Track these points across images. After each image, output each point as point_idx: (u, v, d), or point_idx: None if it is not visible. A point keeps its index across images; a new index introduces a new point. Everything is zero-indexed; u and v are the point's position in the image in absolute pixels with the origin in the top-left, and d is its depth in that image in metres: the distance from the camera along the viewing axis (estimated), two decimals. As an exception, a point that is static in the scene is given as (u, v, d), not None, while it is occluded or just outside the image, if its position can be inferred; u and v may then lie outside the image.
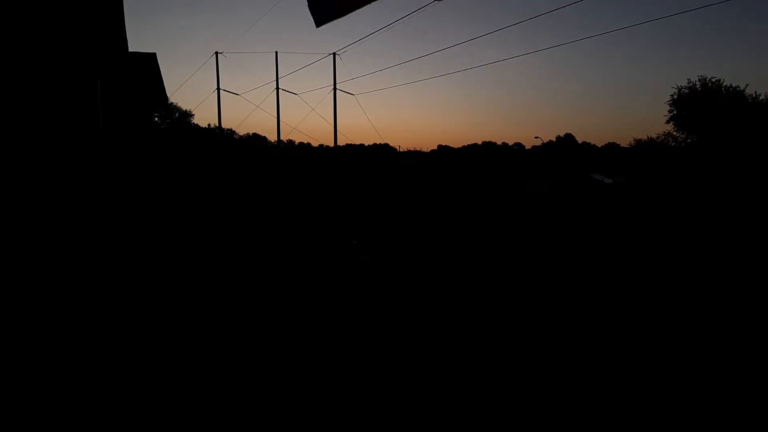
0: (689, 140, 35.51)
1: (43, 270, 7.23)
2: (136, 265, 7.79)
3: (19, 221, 10.34)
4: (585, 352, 4.73)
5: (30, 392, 3.79)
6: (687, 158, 32.94)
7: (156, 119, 41.82)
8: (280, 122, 57.22)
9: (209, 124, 60.20)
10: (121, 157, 16.51)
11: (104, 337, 4.86)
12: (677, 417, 3.61)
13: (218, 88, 47.87)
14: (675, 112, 35.09)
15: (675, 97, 35.03)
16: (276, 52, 46.86)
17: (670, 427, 3.50)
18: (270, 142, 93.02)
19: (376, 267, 8.04)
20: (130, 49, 18.46)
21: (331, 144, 49.08)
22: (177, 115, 51.61)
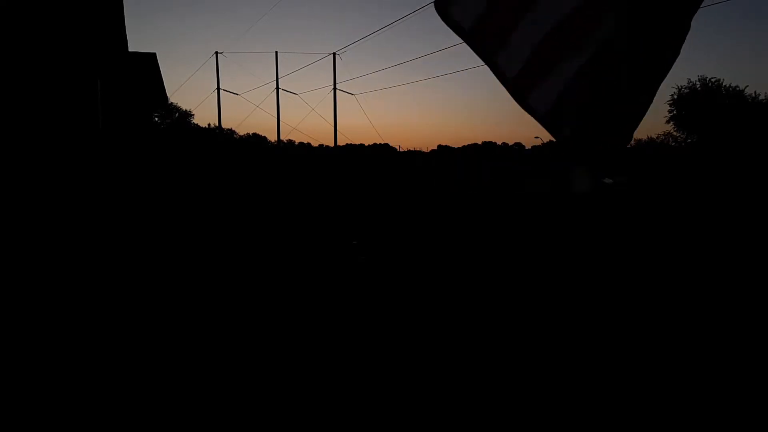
0: (689, 140, 35.52)
1: (42, 269, 7.23)
2: (136, 264, 7.80)
3: (20, 220, 10.35)
4: (584, 352, 4.73)
5: (30, 392, 3.79)
6: (687, 158, 32.94)
7: (156, 119, 41.84)
8: (280, 122, 57.28)
9: (209, 124, 60.28)
10: (121, 157, 16.51)
11: (103, 337, 4.87)
12: (677, 417, 3.61)
13: (218, 88, 47.91)
14: (675, 112, 35.10)
15: (675, 97, 35.04)
16: (276, 52, 46.94)
17: (670, 427, 3.50)
18: (270, 142, 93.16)
19: (374, 266, 8.05)
20: (130, 49, 18.49)
21: (331, 144, 49.12)
22: (177, 115, 51.65)
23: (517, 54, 2.13)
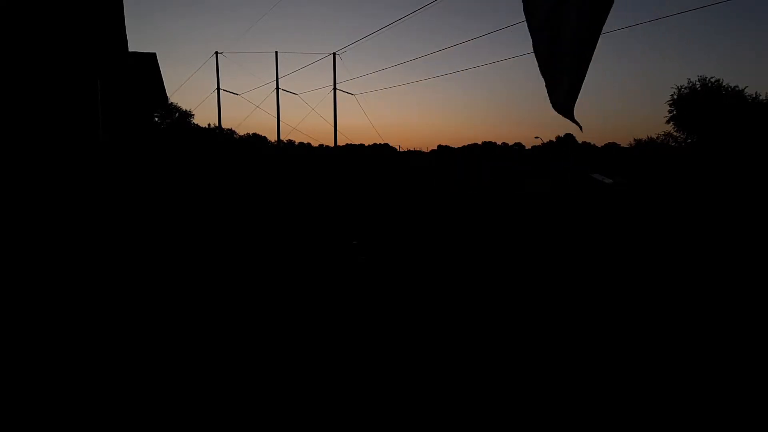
0: (689, 140, 35.47)
1: (43, 270, 7.22)
2: (136, 265, 7.79)
3: (20, 221, 10.34)
4: (584, 351, 4.73)
5: (30, 392, 3.79)
6: (687, 158, 32.91)
7: (156, 119, 41.81)
8: (280, 122, 57.20)
9: (209, 124, 60.21)
10: (121, 157, 16.51)
11: (104, 337, 4.86)
12: (677, 416, 3.61)
13: (218, 88, 47.86)
14: (675, 112, 35.04)
15: (675, 97, 34.99)
16: (276, 52, 46.83)
17: (670, 427, 3.50)
18: (270, 142, 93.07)
19: (374, 266, 8.04)
20: (130, 49, 18.46)
21: (331, 144, 49.07)
22: (177, 115, 51.59)
23: None
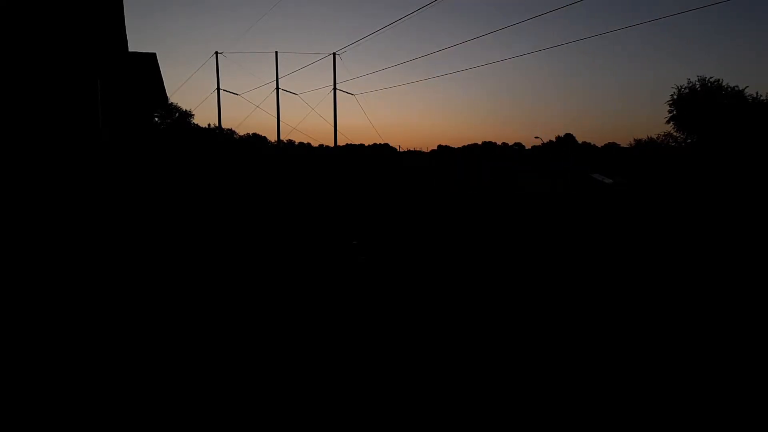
0: (689, 140, 35.47)
1: (44, 269, 7.22)
2: (136, 264, 7.79)
3: (20, 220, 10.34)
4: (584, 351, 4.73)
5: (30, 391, 3.79)
6: (687, 158, 32.91)
7: (156, 119, 41.81)
8: (280, 122, 57.21)
9: (209, 124, 60.19)
10: (121, 157, 16.51)
11: (105, 336, 4.87)
12: (677, 416, 3.61)
13: (218, 88, 47.88)
14: (675, 112, 35.04)
15: (675, 97, 34.98)
16: (276, 52, 46.85)
17: (670, 427, 3.50)
18: (270, 142, 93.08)
19: (374, 266, 8.04)
20: (130, 49, 18.47)
21: (331, 144, 49.07)
22: (177, 115, 51.58)
23: None
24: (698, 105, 33.48)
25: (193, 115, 57.74)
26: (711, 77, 34.20)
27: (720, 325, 5.55)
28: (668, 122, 35.87)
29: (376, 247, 9.69)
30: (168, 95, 29.78)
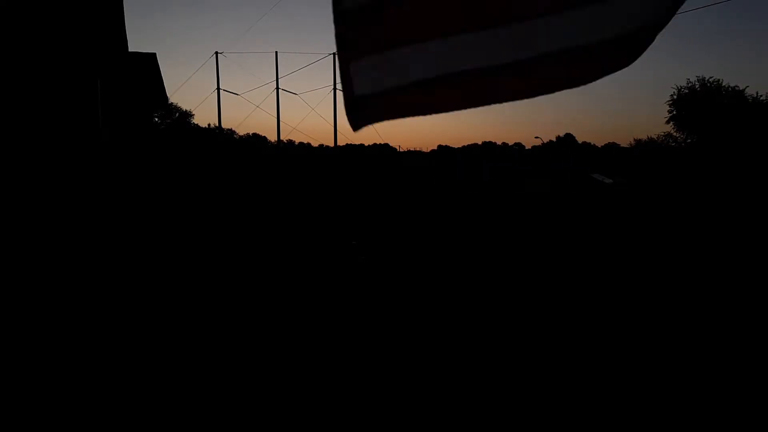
0: (689, 140, 35.51)
1: (43, 271, 7.23)
2: (136, 265, 7.79)
3: (19, 221, 10.34)
4: (584, 352, 4.73)
5: (30, 392, 3.79)
6: (687, 158, 32.94)
7: (156, 119, 41.83)
8: (280, 122, 57.24)
9: (209, 124, 60.26)
10: (121, 157, 16.51)
11: (104, 337, 4.87)
12: (677, 417, 3.61)
13: (218, 88, 47.90)
14: (675, 112, 35.09)
15: (675, 97, 35.03)
16: (276, 52, 46.92)
17: (670, 427, 3.50)
18: (270, 142, 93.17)
19: (374, 266, 8.05)
20: (130, 49, 18.48)
21: (331, 144, 49.10)
22: (177, 115, 51.61)
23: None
24: (698, 105, 33.51)
25: (193, 115, 57.82)
26: (711, 77, 34.26)
27: (720, 325, 5.55)
28: (668, 122, 35.92)
29: (376, 247, 9.69)
30: (168, 95, 29.78)
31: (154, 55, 23.43)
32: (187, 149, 38.18)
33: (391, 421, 3.50)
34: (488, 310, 5.98)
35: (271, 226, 11.98)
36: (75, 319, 5.34)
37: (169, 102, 45.23)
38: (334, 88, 44.87)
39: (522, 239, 11.09)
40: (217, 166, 32.07)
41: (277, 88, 46.43)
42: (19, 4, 12.24)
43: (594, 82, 1.58)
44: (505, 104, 1.55)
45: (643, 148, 41.45)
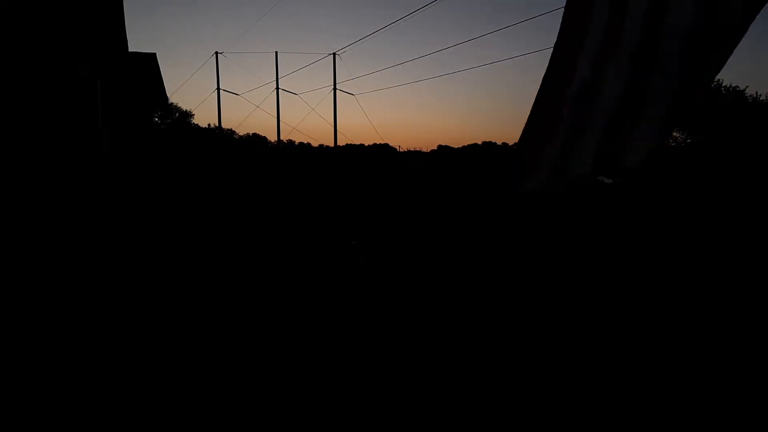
0: (689, 140, 35.50)
1: (43, 271, 7.23)
2: (135, 265, 7.80)
3: (18, 222, 10.34)
4: (584, 353, 4.73)
5: (29, 392, 3.79)
6: (687, 158, 32.93)
7: (156, 119, 41.84)
8: (280, 122, 57.29)
9: (209, 124, 60.24)
10: (121, 157, 16.52)
11: (104, 337, 4.87)
12: (677, 417, 3.61)
13: (218, 88, 47.93)
14: (675, 112, 34.99)
15: (675, 97, 34.94)
16: (276, 52, 46.97)
17: (670, 427, 3.50)
18: (270, 142, 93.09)
19: (374, 266, 8.05)
20: (130, 49, 18.49)
21: (331, 144, 49.11)
22: (177, 115, 51.61)
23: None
24: (698, 105, 33.48)
25: (193, 115, 57.81)
26: (710, 77, 34.19)
27: (720, 325, 5.55)
28: (668, 122, 35.82)
29: (376, 247, 9.69)
30: (168, 95, 29.81)
31: (154, 55, 23.47)
32: (187, 149, 38.17)
33: (391, 421, 3.50)
34: (488, 310, 5.98)
35: (272, 226, 11.98)
36: (75, 319, 5.34)
37: (169, 102, 45.26)
38: (334, 88, 44.89)
39: (522, 239, 11.09)
40: (218, 166, 32.06)
41: (277, 88, 46.46)
42: (19, 4, 12.24)
43: None
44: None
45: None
